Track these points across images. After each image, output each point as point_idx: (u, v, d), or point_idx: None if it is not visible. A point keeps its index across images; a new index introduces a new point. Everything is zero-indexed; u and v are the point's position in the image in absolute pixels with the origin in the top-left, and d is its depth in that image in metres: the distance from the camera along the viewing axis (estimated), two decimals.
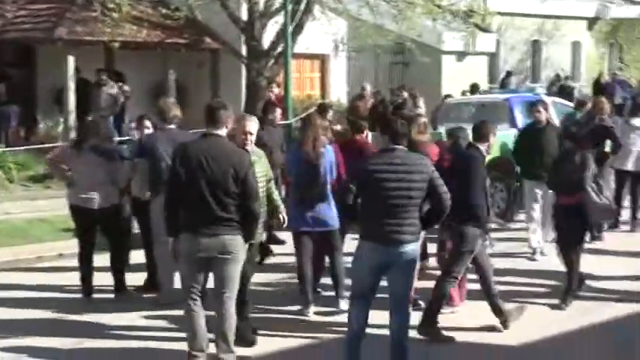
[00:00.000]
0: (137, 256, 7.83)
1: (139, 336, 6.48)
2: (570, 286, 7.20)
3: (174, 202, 5.50)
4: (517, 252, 9.06)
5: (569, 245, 7.22)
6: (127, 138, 8.36)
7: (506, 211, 10.52)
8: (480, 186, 6.36)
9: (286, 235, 8.29)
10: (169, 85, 16.34)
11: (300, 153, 6.97)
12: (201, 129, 5.80)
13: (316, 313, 6.90)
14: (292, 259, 7.46)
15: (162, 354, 6.13)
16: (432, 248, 7.86)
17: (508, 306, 6.51)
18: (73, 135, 14.09)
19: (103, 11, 14.45)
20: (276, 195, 6.45)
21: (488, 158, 6.80)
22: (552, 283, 7.73)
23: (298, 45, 15.59)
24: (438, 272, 7.36)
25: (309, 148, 6.88)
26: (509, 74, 21.60)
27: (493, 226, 8.35)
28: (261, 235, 6.23)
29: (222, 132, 5.54)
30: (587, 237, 8.48)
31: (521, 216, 9.64)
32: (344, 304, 6.86)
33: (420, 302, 6.84)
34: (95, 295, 7.43)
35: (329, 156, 7.02)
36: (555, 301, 7.20)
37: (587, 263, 7.69)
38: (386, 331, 5.55)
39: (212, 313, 5.59)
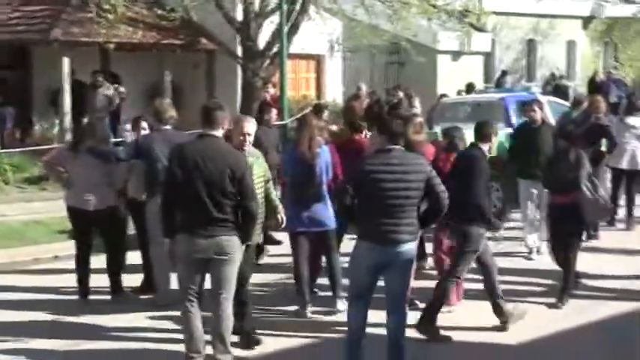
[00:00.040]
0: (133, 258, 7.82)
1: (135, 337, 6.47)
2: (567, 285, 7.21)
3: (171, 203, 5.50)
4: (513, 251, 9.07)
5: (566, 244, 7.23)
6: (121, 139, 8.34)
7: (502, 210, 10.53)
8: (483, 186, 6.35)
9: (282, 236, 8.29)
10: (165, 86, 16.32)
11: (295, 153, 6.97)
12: (197, 130, 5.80)
13: (313, 314, 6.90)
14: (289, 260, 7.46)
15: (160, 355, 6.13)
16: (428, 248, 7.86)
17: (509, 307, 6.51)
18: (68, 137, 14.09)
19: (98, 12, 14.43)
20: (274, 195, 6.45)
21: None
22: (548, 282, 7.75)
23: (294, 45, 15.60)
24: (435, 272, 7.40)
25: (305, 149, 6.88)
26: (504, 73, 21.62)
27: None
28: (259, 237, 6.23)
29: (219, 133, 5.54)
30: (584, 236, 8.51)
31: (517, 215, 9.64)
32: (341, 304, 6.87)
33: (417, 302, 6.85)
34: (92, 297, 7.43)
35: (325, 156, 7.03)
36: (552, 300, 7.21)
37: (583, 261, 7.70)
38: (382, 331, 5.55)
39: (209, 314, 5.59)
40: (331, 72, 19.62)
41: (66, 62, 14.71)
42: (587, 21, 26.51)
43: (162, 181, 6.14)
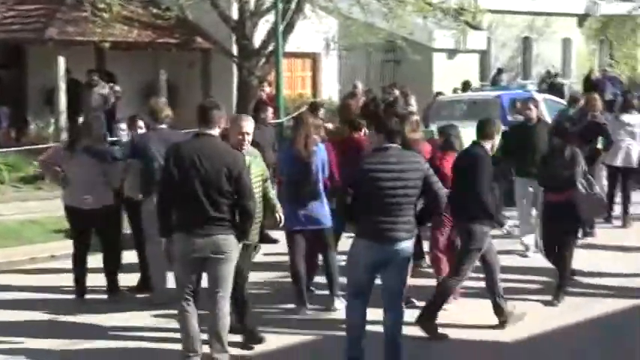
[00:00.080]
0: (129, 257, 7.82)
1: (132, 336, 6.47)
2: (562, 283, 7.22)
3: (167, 202, 5.49)
4: (509, 249, 9.08)
5: (562, 243, 7.24)
6: (115, 139, 8.32)
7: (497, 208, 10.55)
8: (487, 184, 6.34)
9: (279, 234, 8.29)
10: (160, 85, 16.31)
11: (292, 151, 6.97)
12: (193, 129, 5.79)
13: (310, 312, 6.91)
14: (285, 258, 7.46)
15: (156, 354, 6.12)
16: (426, 247, 7.87)
17: (509, 307, 6.53)
18: (64, 136, 14.07)
19: (93, 11, 14.42)
20: (272, 194, 6.44)
21: None
22: (544, 279, 7.76)
23: (289, 44, 15.59)
24: (431, 270, 7.40)
25: (301, 147, 6.88)
26: (500, 71, 21.65)
27: None
28: (257, 236, 6.22)
29: (215, 132, 5.54)
30: (580, 233, 8.53)
31: (513, 213, 9.65)
32: (338, 303, 6.88)
33: (413, 300, 6.86)
34: (88, 296, 7.43)
35: (321, 154, 7.03)
36: (548, 298, 7.23)
37: (579, 259, 7.72)
38: (379, 328, 5.56)
39: (206, 312, 5.58)
40: (327, 70, 19.62)
41: (61, 61, 14.69)
42: (582, 19, 26.56)
43: (158, 181, 6.14)
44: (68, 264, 7.71)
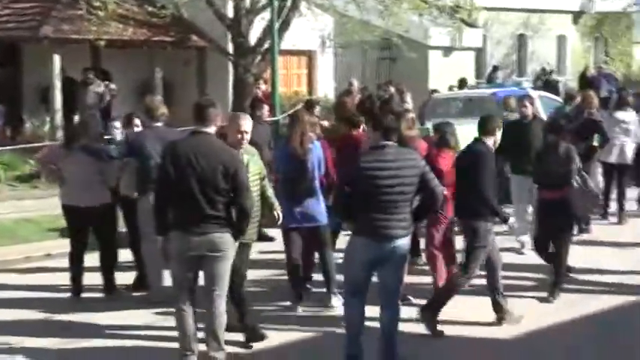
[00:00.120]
0: (126, 255, 7.81)
1: (129, 335, 6.47)
2: (558, 280, 7.24)
3: (164, 200, 5.49)
4: (505, 246, 9.09)
5: (557, 240, 7.25)
6: (109, 137, 8.31)
7: None
8: (490, 180, 6.34)
9: (275, 232, 8.29)
10: (156, 83, 16.28)
11: (287, 149, 6.97)
12: (189, 127, 5.78)
13: (307, 310, 6.91)
14: (281, 256, 7.46)
15: (153, 352, 6.12)
16: (422, 244, 7.88)
17: (508, 306, 6.54)
18: (59, 134, 14.05)
19: (88, 9, 14.39)
20: (270, 192, 6.43)
21: None
22: (540, 276, 7.78)
23: (285, 41, 15.59)
24: (427, 268, 7.41)
25: (297, 144, 6.88)
26: (495, 69, 21.69)
27: None
28: (255, 234, 6.22)
29: (211, 130, 5.54)
30: (575, 230, 8.55)
31: (509, 210, 9.66)
32: (335, 301, 6.89)
33: (410, 297, 6.87)
34: (85, 295, 7.42)
35: (317, 152, 7.03)
36: (543, 294, 7.24)
37: (575, 255, 7.74)
38: (374, 324, 5.57)
39: (203, 310, 5.59)
40: (323, 68, 19.62)
41: (56, 59, 14.66)
42: (577, 16, 26.61)
43: (154, 179, 6.14)
44: (64, 263, 7.70)
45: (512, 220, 6.55)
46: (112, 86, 14.97)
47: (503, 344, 6.23)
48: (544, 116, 10.62)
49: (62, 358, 6.13)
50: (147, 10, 15.64)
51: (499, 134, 6.61)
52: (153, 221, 5.63)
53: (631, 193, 10.76)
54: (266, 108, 9.82)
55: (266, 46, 15.31)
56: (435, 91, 15.38)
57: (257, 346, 6.07)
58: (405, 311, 5.97)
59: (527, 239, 8.96)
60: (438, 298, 6.38)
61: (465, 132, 9.69)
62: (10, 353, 6.10)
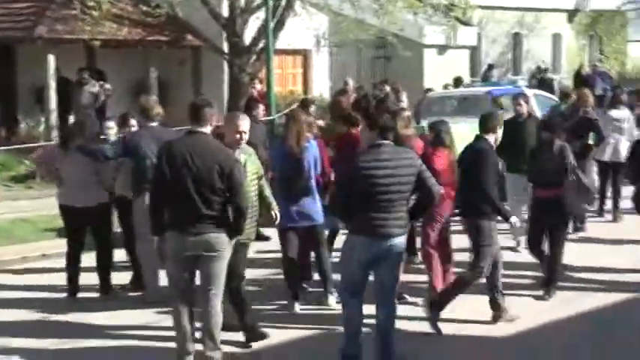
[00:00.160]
0: (120, 255, 7.81)
1: (125, 335, 6.46)
2: (553, 278, 7.25)
3: (159, 200, 5.49)
4: (501, 245, 9.10)
5: (552, 238, 7.26)
6: (103, 137, 8.31)
7: None
8: (492, 178, 6.34)
9: (271, 232, 8.29)
10: (151, 82, 16.27)
11: (284, 148, 6.97)
12: (184, 126, 5.78)
13: (304, 309, 6.92)
14: (277, 255, 7.47)
15: (149, 352, 6.12)
16: (418, 243, 7.89)
17: (505, 304, 6.55)
18: (54, 134, 14.03)
19: (82, 9, 14.36)
20: (267, 192, 6.43)
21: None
22: (536, 274, 7.79)
23: (280, 41, 15.59)
24: (424, 266, 7.42)
25: (293, 143, 6.88)
26: (490, 67, 21.69)
27: None
28: (253, 234, 6.22)
29: (207, 129, 5.54)
30: (571, 228, 8.57)
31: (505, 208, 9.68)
32: (332, 300, 6.90)
33: (405, 296, 6.88)
34: (80, 295, 7.41)
35: (313, 151, 7.03)
36: (539, 292, 7.26)
37: (571, 253, 7.76)
38: (371, 322, 5.58)
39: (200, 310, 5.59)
40: (318, 67, 19.62)
41: (51, 59, 14.64)
42: (572, 14, 26.65)
43: (149, 179, 6.14)
44: (60, 263, 7.69)
45: (513, 218, 6.54)
46: (107, 86, 14.94)
47: (500, 342, 6.24)
48: (539, 114, 10.63)
49: (58, 359, 6.13)
50: (141, 9, 15.62)
51: (500, 132, 6.60)
52: (148, 221, 5.63)
53: (627, 191, 10.78)
54: (261, 107, 9.82)
55: (261, 45, 15.31)
56: (429, 89, 15.38)
57: (255, 345, 6.08)
58: (401, 309, 5.98)
59: (522, 237, 8.97)
60: (445, 294, 6.38)
61: (461, 130, 9.72)
62: (6, 354, 6.09)
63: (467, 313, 6.62)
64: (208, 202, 5.36)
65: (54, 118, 14.67)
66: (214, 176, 5.35)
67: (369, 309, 5.58)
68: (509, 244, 9.04)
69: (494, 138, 6.53)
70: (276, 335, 6.25)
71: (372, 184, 5.27)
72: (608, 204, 10.54)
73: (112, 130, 7.83)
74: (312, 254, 7.31)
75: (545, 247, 7.40)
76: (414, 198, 5.58)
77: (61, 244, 7.68)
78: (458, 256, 7.53)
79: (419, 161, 5.51)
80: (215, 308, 5.50)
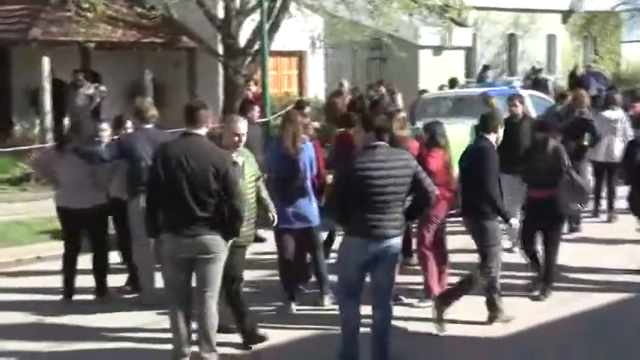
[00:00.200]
0: (115, 258, 7.79)
1: (121, 337, 6.45)
2: (548, 278, 7.26)
3: (155, 202, 5.49)
4: None
5: (546, 238, 7.27)
6: (97, 139, 8.29)
7: None
8: (494, 177, 6.34)
9: (266, 233, 8.28)
10: (146, 84, 16.25)
11: (279, 149, 6.97)
12: (179, 128, 5.78)
13: (300, 310, 6.91)
14: (273, 257, 7.47)
15: (145, 354, 6.11)
16: (414, 244, 7.90)
17: (502, 305, 6.56)
18: (49, 137, 14.00)
19: (77, 11, 14.32)
20: (265, 194, 6.42)
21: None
22: (531, 275, 7.79)
23: (275, 42, 15.58)
24: (419, 267, 7.42)
25: (289, 144, 6.89)
26: (486, 68, 21.69)
27: None
28: (252, 236, 6.21)
29: (202, 131, 5.54)
30: (566, 228, 8.58)
31: None
32: (327, 301, 6.90)
33: (401, 297, 6.89)
34: (76, 297, 7.40)
35: (308, 152, 7.03)
36: (534, 293, 7.27)
37: (566, 254, 7.77)
38: (367, 323, 5.57)
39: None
40: (313, 68, 19.62)
41: (45, 62, 14.61)
42: (566, 15, 26.71)
43: (144, 181, 6.13)
44: (55, 265, 7.68)
45: (513, 220, 6.54)
46: (102, 88, 14.91)
47: (496, 342, 6.25)
48: (534, 115, 10.64)
49: None
50: (136, 11, 15.59)
51: (501, 131, 6.60)
52: (144, 223, 5.63)
53: (622, 191, 10.80)
54: (256, 109, 9.81)
55: (256, 47, 15.30)
56: (424, 91, 15.38)
57: (254, 347, 6.06)
58: (397, 310, 5.98)
59: (517, 237, 8.98)
60: (453, 291, 6.36)
61: (456, 131, 9.72)
62: (2, 356, 6.08)
63: (463, 313, 6.63)
64: (203, 204, 5.35)
65: (49, 120, 14.64)
66: (209, 177, 5.35)
67: (365, 310, 5.58)
68: (505, 245, 9.04)
69: (496, 137, 6.53)
70: (273, 336, 6.24)
71: (368, 185, 5.28)
72: (603, 204, 10.56)
73: (105, 132, 7.84)
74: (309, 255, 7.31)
75: (538, 247, 7.41)
76: (409, 199, 5.58)
77: (56, 247, 7.67)
78: (453, 257, 7.54)
79: (414, 162, 5.51)
80: (211, 310, 5.50)
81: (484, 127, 6.57)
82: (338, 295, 5.82)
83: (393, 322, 5.66)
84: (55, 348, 6.28)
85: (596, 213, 10.50)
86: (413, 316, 6.65)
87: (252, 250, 8.68)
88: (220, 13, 15.93)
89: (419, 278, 7.26)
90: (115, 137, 7.65)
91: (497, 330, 6.42)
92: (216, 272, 5.50)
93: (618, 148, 10.20)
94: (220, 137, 6.05)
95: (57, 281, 7.51)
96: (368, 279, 5.54)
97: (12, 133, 15.15)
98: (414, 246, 7.90)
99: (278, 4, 15.50)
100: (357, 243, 5.36)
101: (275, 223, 6.59)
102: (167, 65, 16.98)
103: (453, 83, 16.59)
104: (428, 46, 21.84)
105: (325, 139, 9.98)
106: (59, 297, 7.42)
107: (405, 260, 7.57)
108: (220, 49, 16.15)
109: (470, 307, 6.62)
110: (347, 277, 5.48)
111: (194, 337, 5.63)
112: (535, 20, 24.83)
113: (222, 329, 5.81)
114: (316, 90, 19.25)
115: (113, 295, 7.50)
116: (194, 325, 5.61)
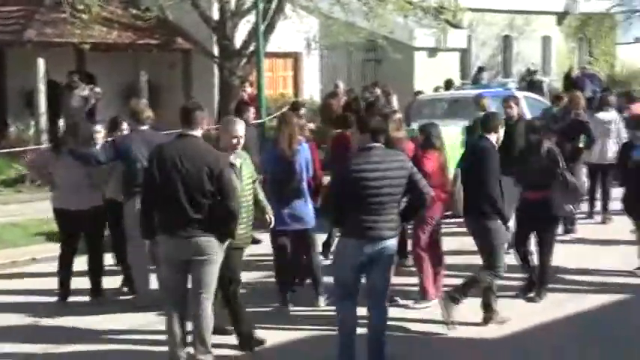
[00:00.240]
0: (109, 259, 7.79)
1: (116, 339, 6.45)
2: (543, 280, 7.27)
3: (150, 204, 5.48)
4: None
5: (541, 240, 7.28)
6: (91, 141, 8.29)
7: None
8: (495, 177, 6.34)
9: (262, 235, 8.28)
10: (141, 86, 16.24)
11: (275, 151, 6.98)
12: (175, 129, 5.78)
13: (296, 311, 6.92)
14: (269, 258, 7.47)
15: (140, 356, 6.11)
16: (410, 246, 7.90)
17: (498, 307, 6.57)
18: (44, 138, 13.98)
19: (72, 13, 14.30)
20: (261, 195, 6.42)
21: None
22: (526, 276, 7.80)
23: (270, 44, 15.60)
24: (415, 269, 7.43)
25: (285, 146, 6.89)
26: (481, 70, 21.75)
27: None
28: (249, 238, 6.20)
29: (198, 133, 5.54)
30: (561, 229, 8.59)
31: None
32: (322, 302, 6.90)
33: (397, 298, 6.89)
34: (71, 299, 7.39)
35: (304, 153, 7.04)
36: (530, 294, 7.28)
37: (561, 255, 7.79)
38: (363, 324, 5.58)
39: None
40: (308, 70, 19.64)
41: (40, 63, 14.59)
42: (561, 17, 26.77)
43: (140, 182, 6.12)
44: (50, 267, 7.66)
45: (511, 223, 6.55)
46: (97, 89, 14.90)
47: (490, 344, 6.26)
48: (529, 117, 10.65)
49: None
50: (131, 12, 15.59)
51: (501, 131, 6.61)
52: (139, 225, 5.62)
53: (615, 192, 10.83)
54: (252, 111, 9.80)
55: (251, 48, 15.31)
56: (419, 92, 15.40)
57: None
58: (393, 312, 5.99)
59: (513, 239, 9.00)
60: (463, 287, 6.37)
61: (451, 133, 9.74)
62: None
63: (457, 314, 6.63)
64: (198, 205, 5.35)
65: (44, 121, 14.62)
66: (204, 178, 5.35)
67: (360, 311, 5.58)
68: None
69: (496, 137, 6.54)
70: (269, 337, 6.24)
71: (363, 187, 5.28)
72: (598, 206, 10.59)
73: (100, 134, 7.84)
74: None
75: (531, 248, 7.42)
76: (405, 200, 5.59)
77: (51, 249, 7.66)
78: (449, 259, 7.55)
79: (410, 164, 5.52)
80: (206, 312, 5.50)
81: (485, 126, 6.57)
82: (335, 297, 5.82)
83: (389, 324, 5.67)
84: (51, 350, 6.27)
85: (590, 214, 10.53)
86: (408, 318, 6.66)
87: (248, 252, 8.70)
88: (215, 15, 15.93)
89: (414, 280, 7.27)
90: (110, 139, 7.64)
91: (492, 331, 6.43)
92: (212, 274, 5.49)
93: (612, 150, 10.23)
94: (217, 139, 6.05)
95: (52, 283, 7.50)
96: (364, 280, 5.56)
97: (7, 134, 15.13)
98: (409, 247, 7.91)
99: (273, 6, 15.51)
100: (352, 244, 5.37)
101: (272, 225, 6.59)
102: (162, 67, 16.97)
103: (448, 85, 16.62)
104: (423, 48, 21.87)
105: (321, 141, 10.00)
106: (54, 299, 7.42)
107: (400, 261, 7.57)
108: (215, 51, 16.16)
109: (465, 308, 6.63)
110: (343, 278, 5.49)
111: (189, 338, 5.62)
112: (530, 22, 24.89)
113: (218, 330, 5.81)
114: (311, 91, 19.26)
115: (108, 297, 7.49)
116: (189, 327, 5.61)
